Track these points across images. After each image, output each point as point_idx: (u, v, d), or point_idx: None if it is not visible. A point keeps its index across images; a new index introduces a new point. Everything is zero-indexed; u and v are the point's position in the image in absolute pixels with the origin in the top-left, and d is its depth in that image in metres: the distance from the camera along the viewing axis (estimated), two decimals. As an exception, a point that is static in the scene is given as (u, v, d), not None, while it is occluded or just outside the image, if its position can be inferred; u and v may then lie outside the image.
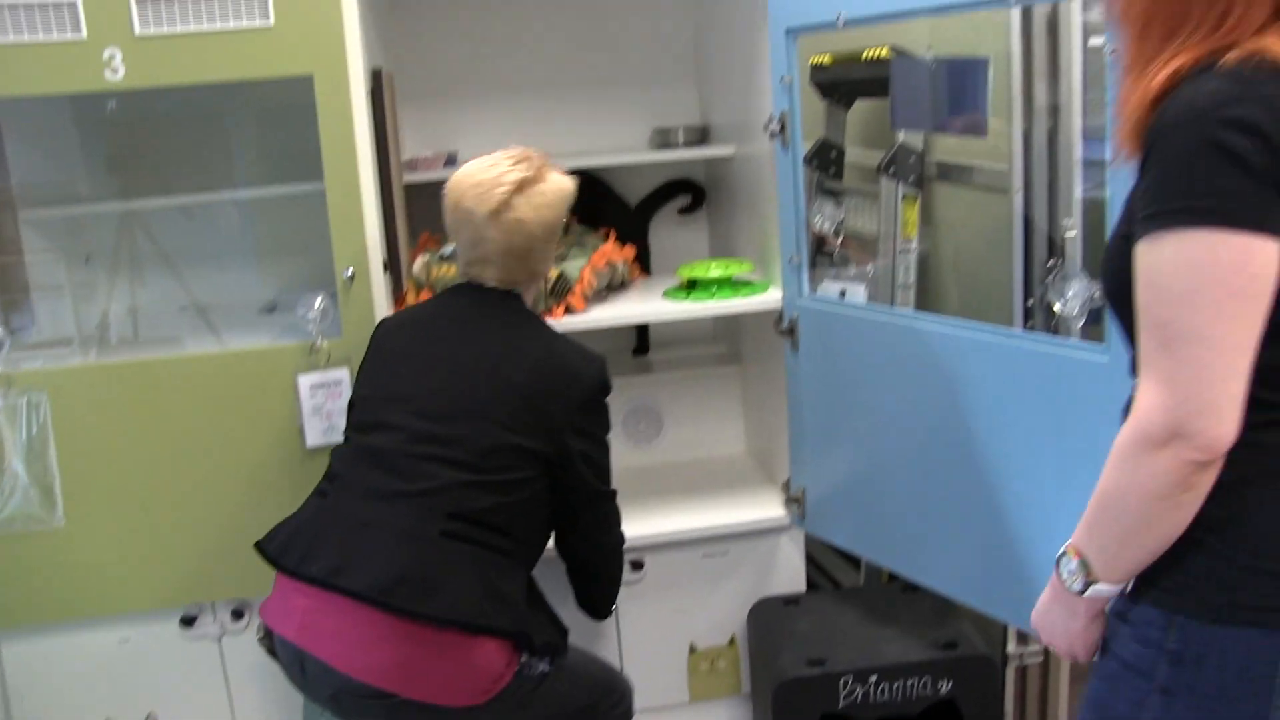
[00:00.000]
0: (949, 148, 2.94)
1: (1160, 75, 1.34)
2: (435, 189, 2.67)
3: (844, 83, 3.11)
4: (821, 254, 3.07)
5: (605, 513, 2.51)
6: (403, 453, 2.24)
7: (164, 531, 2.73)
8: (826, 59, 3.06)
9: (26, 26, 2.50)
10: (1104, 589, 1.44)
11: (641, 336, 3.67)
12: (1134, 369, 1.45)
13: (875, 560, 2.91)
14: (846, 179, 3.24)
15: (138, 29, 2.54)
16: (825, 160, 3.18)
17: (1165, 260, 1.29)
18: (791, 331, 2.82)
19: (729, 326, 3.63)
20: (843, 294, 2.78)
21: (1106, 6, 1.47)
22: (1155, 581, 1.42)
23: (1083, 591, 1.45)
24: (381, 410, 2.33)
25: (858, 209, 3.18)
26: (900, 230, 2.94)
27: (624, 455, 3.40)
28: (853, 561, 3.38)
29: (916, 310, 2.92)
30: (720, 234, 3.58)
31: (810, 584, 3.12)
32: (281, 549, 2.22)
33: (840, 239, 3.02)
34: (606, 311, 2.98)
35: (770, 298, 2.91)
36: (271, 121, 3.19)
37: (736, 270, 3.00)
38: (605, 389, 2.44)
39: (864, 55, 2.92)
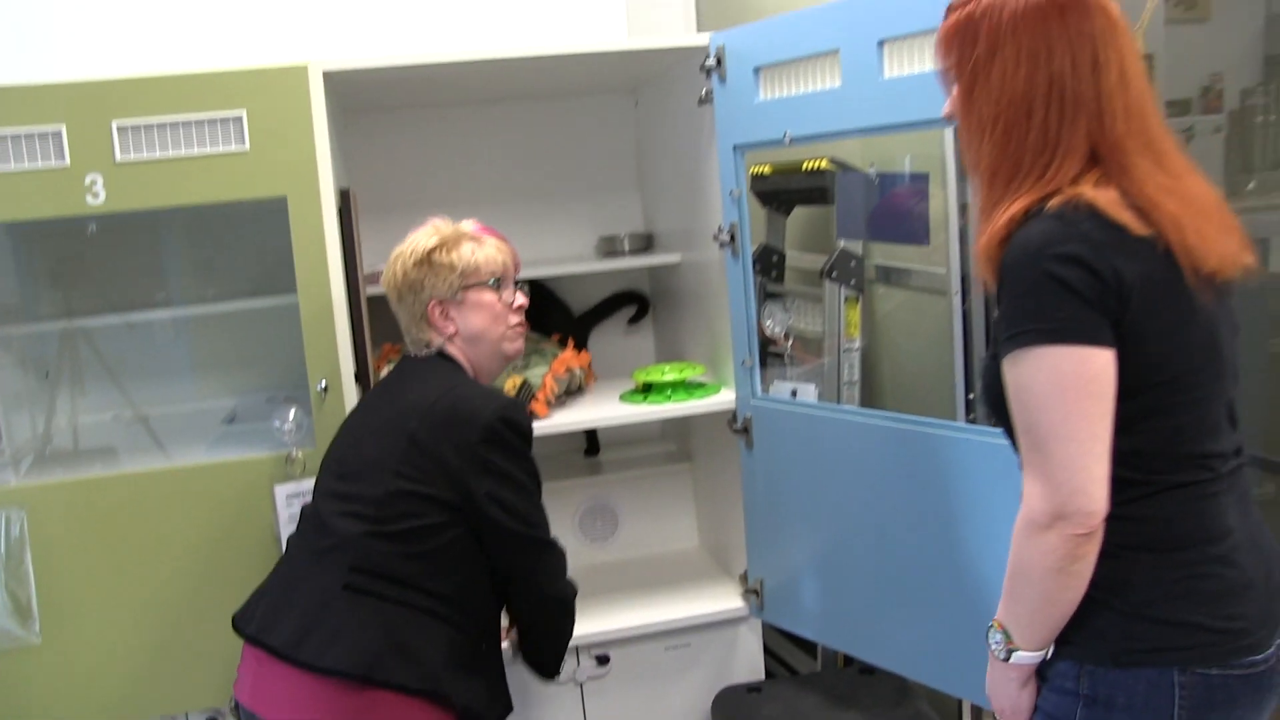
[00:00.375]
0: (888, 252, 3.12)
1: (1002, 220, 1.62)
2: None
3: (784, 191, 3.30)
4: (770, 354, 3.22)
5: (539, 562, 2.42)
6: (322, 512, 2.34)
7: (143, 644, 2.78)
8: (766, 169, 3.24)
9: (14, 155, 2.61)
10: (1025, 655, 1.68)
11: (591, 438, 3.80)
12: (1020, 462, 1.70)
13: (834, 645, 3.04)
14: (790, 281, 3.41)
15: (118, 156, 2.65)
16: (767, 264, 3.36)
17: (1023, 374, 1.57)
18: (746, 430, 2.97)
19: (677, 426, 3.78)
20: (794, 393, 2.92)
21: (965, 161, 1.76)
22: (1067, 639, 1.67)
23: (1007, 659, 1.68)
24: (320, 478, 2.45)
25: (801, 310, 3.34)
26: (844, 330, 3.11)
27: (582, 553, 3.54)
28: (807, 648, 3.50)
29: (862, 406, 3.08)
30: (667, 337, 3.73)
31: (767, 672, 3.23)
32: (242, 615, 2.33)
33: (790, 341, 3.18)
34: (570, 416, 3.10)
35: (724, 398, 3.06)
36: (221, 240, 3.32)
37: (690, 373, 3.14)
38: (510, 426, 2.31)
39: (804, 166, 3.10)
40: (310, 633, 2.18)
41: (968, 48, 1.67)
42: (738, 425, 3.00)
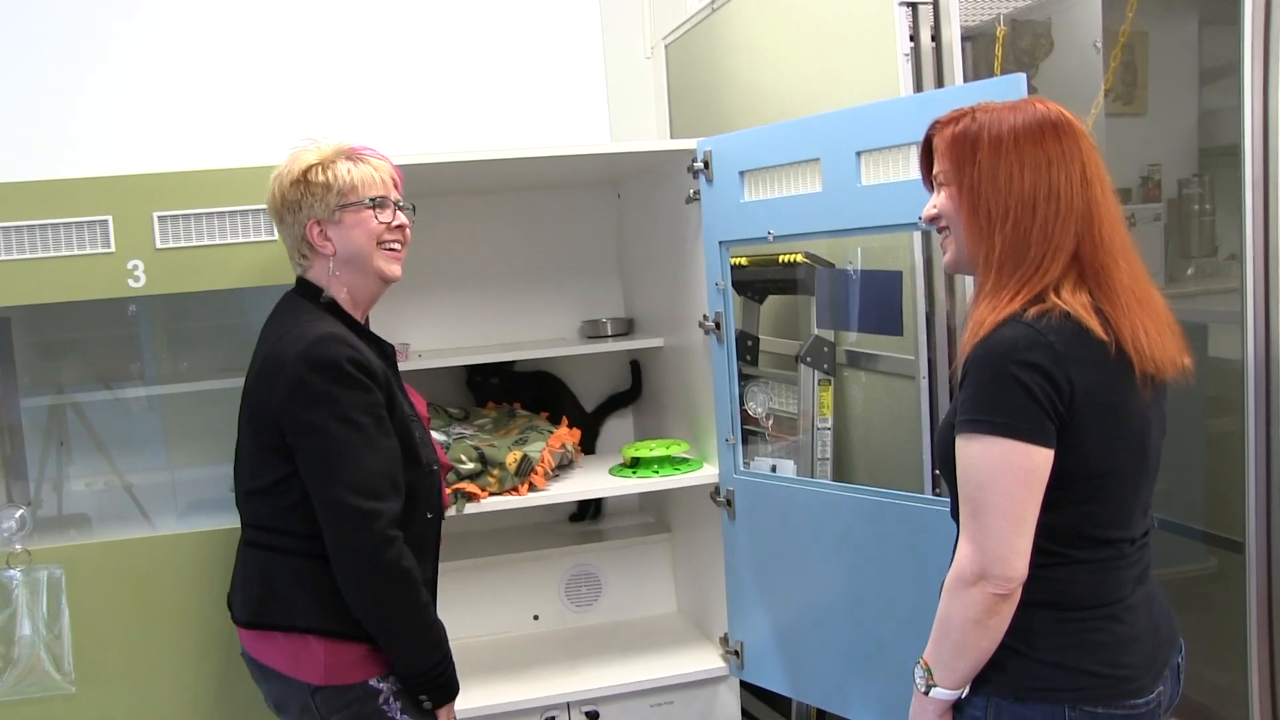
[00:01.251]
0: (858, 339, 3.38)
1: (991, 317, 1.86)
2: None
3: (759, 281, 3.56)
4: (749, 432, 3.47)
5: (338, 525, 2.24)
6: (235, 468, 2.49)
7: (171, 696, 2.97)
8: (744, 260, 3.51)
9: (65, 242, 2.84)
10: (943, 692, 1.94)
11: (592, 505, 4.08)
12: (953, 513, 2.00)
13: (809, 701, 3.26)
14: (763, 364, 3.67)
15: (158, 243, 2.89)
16: (743, 348, 3.61)
17: (975, 455, 1.82)
18: (729, 502, 3.21)
19: (655, 499, 4.03)
20: (773, 468, 3.17)
21: (969, 251, 1.97)
22: (983, 679, 1.92)
23: (927, 692, 1.95)
24: None
25: (775, 391, 3.60)
26: (817, 410, 3.36)
27: (568, 617, 3.77)
28: (781, 708, 3.73)
29: (835, 480, 3.33)
30: (647, 415, 3.99)
31: (742, 729, 3.47)
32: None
33: (770, 421, 3.43)
34: (567, 488, 3.35)
35: (707, 473, 3.31)
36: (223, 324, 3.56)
37: (675, 449, 3.39)
38: (314, 364, 2.22)
39: (780, 259, 3.37)
40: (232, 590, 2.49)
41: (968, 154, 1.91)
42: (721, 498, 3.25)
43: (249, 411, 2.38)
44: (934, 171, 2.01)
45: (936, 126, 2.00)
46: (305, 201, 2.37)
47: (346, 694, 2.33)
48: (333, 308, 2.41)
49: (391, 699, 2.35)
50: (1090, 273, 1.88)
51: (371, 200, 2.39)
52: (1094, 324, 1.83)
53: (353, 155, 2.42)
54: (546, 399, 3.83)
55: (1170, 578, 4.45)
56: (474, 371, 3.85)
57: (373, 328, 2.53)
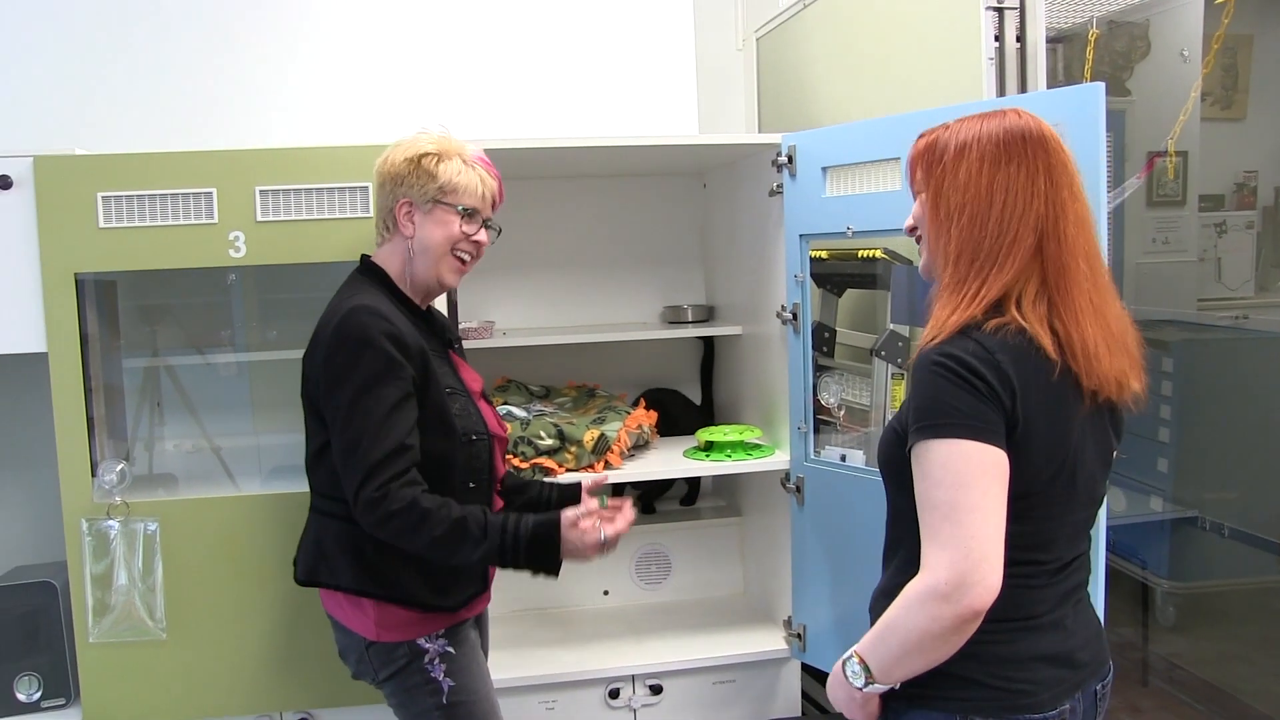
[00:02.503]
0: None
1: (955, 320, 1.86)
2: (482, 354, 3.19)
3: (838, 275, 3.62)
4: (821, 421, 3.54)
5: (347, 485, 2.35)
6: None
7: (252, 647, 3.09)
8: (824, 254, 3.57)
9: (171, 213, 2.98)
10: (879, 686, 1.91)
11: (693, 486, 4.17)
12: (891, 523, 2.03)
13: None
14: (838, 356, 3.73)
15: (259, 216, 3.01)
16: (819, 339, 3.68)
17: (944, 457, 1.78)
18: (798, 489, 3.29)
19: (727, 483, 4.12)
20: (843, 458, 3.24)
21: (931, 253, 2.00)
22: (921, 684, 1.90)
23: (863, 687, 1.92)
24: None
25: (848, 382, 3.66)
26: (889, 403, 3.42)
27: (636, 594, 3.87)
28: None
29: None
30: (721, 400, 4.07)
31: (801, 711, 3.54)
32: None
33: (841, 411, 3.50)
34: (641, 468, 3.45)
35: (778, 459, 3.40)
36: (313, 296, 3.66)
37: (749, 435, 3.47)
38: (343, 334, 2.36)
39: (859, 254, 3.43)
40: (298, 550, 2.63)
41: (935, 160, 1.94)
42: (790, 484, 3.33)
43: (302, 382, 2.52)
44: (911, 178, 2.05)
45: (920, 137, 2.03)
46: (408, 180, 2.49)
47: (395, 650, 2.49)
48: (388, 286, 2.54)
49: (438, 659, 2.49)
50: (1052, 273, 1.87)
51: (464, 209, 2.51)
52: (1046, 342, 1.84)
53: (469, 160, 2.53)
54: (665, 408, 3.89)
55: (1239, 589, 4.45)
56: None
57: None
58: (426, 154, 2.49)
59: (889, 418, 3.39)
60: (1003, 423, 1.80)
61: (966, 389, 1.80)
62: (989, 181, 1.89)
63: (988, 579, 1.74)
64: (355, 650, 2.54)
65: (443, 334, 2.66)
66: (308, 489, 2.60)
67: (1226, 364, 4.44)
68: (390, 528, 2.32)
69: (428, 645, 2.49)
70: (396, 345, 2.36)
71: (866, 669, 1.90)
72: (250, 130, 3.83)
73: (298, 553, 2.64)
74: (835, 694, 2.02)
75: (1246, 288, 4.77)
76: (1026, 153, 1.89)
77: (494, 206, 2.61)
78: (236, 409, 3.71)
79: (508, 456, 3.21)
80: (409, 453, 2.36)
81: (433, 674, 2.48)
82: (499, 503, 2.72)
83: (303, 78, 3.95)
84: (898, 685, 1.92)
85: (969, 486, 1.76)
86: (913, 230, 2.05)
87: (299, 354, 2.76)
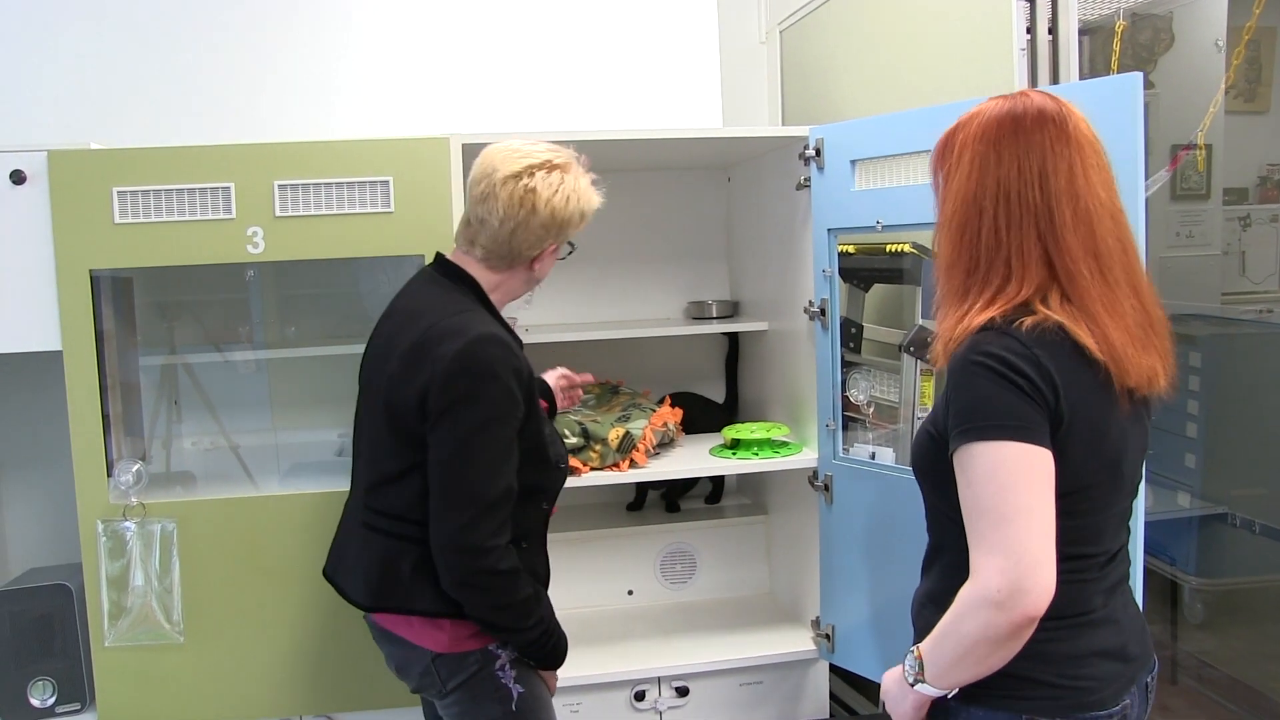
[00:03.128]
0: (961, 331, 3.37)
1: (977, 319, 1.80)
2: None
3: (865, 270, 3.56)
4: (849, 418, 3.48)
5: (439, 527, 2.29)
6: (355, 452, 2.57)
7: (271, 651, 3.05)
8: (851, 248, 3.51)
9: (188, 208, 2.93)
10: (928, 689, 1.85)
11: (717, 484, 4.11)
12: (932, 527, 1.99)
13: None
14: (865, 352, 3.68)
15: (278, 211, 2.97)
16: (846, 335, 3.62)
17: (990, 460, 1.72)
18: (827, 487, 3.23)
19: (753, 481, 4.05)
20: (873, 456, 3.18)
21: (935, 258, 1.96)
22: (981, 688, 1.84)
23: (913, 684, 1.87)
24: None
25: (875, 379, 3.60)
26: (918, 400, 3.36)
27: (661, 594, 3.82)
28: (869, 693, 3.74)
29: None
30: (747, 397, 4.01)
31: (830, 713, 3.49)
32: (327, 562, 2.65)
33: (871, 409, 3.44)
34: (666, 465, 3.40)
35: (806, 457, 3.34)
36: (332, 292, 3.65)
37: (776, 433, 3.42)
38: (469, 364, 2.26)
39: (887, 248, 3.37)
40: (338, 569, 2.57)
41: (948, 157, 1.91)
42: (819, 482, 3.27)
43: (386, 397, 2.36)
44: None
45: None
46: (571, 228, 2.47)
47: (467, 659, 2.42)
48: (482, 297, 2.46)
49: (508, 665, 2.43)
50: (1061, 276, 1.81)
51: (571, 244, 2.56)
52: (1089, 342, 1.78)
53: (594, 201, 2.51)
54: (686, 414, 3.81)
55: (1268, 586, 4.40)
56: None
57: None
58: (594, 210, 2.49)
59: (918, 414, 3.34)
60: (1047, 421, 1.75)
61: (1009, 388, 1.74)
62: (977, 185, 1.84)
63: (1041, 583, 1.68)
64: (420, 664, 2.45)
65: (521, 345, 2.55)
66: (335, 488, 2.60)
67: (1253, 358, 4.40)
68: (481, 583, 2.30)
69: (499, 651, 2.43)
70: (518, 381, 2.31)
71: (920, 666, 1.86)
72: (269, 124, 3.78)
73: (338, 572, 2.57)
74: (888, 688, 1.97)
75: (1271, 281, 4.76)
76: (1019, 142, 1.83)
77: None
78: (255, 407, 3.66)
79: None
80: (512, 499, 2.32)
81: (503, 680, 2.43)
82: None
83: (322, 70, 3.90)
84: (950, 693, 1.87)
85: (1016, 490, 1.71)
86: None
87: (320, 351, 2.74)
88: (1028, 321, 1.79)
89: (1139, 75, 2.36)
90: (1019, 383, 1.74)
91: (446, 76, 3.98)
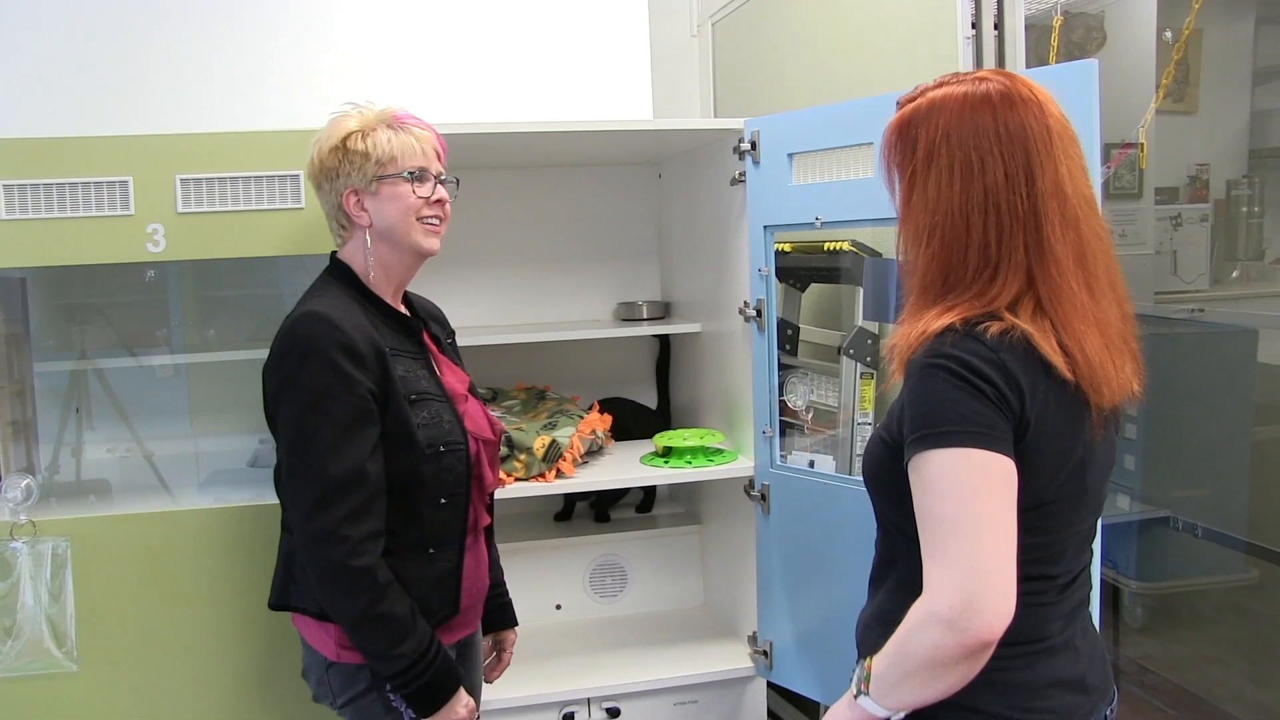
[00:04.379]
0: (903, 333, 3.25)
1: (935, 324, 1.66)
2: None
3: (803, 269, 3.44)
4: (786, 424, 3.35)
5: (293, 517, 2.18)
6: None
7: (178, 680, 2.86)
8: (787, 246, 3.38)
9: (82, 203, 2.73)
10: (872, 705, 1.68)
11: (648, 492, 3.95)
12: (882, 540, 1.86)
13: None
14: (804, 354, 3.55)
15: (180, 207, 2.78)
16: (782, 337, 3.48)
17: (946, 468, 1.58)
18: (764, 497, 3.09)
19: (686, 489, 3.90)
20: (811, 464, 3.05)
21: (901, 260, 1.80)
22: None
23: (856, 696, 1.70)
24: None
25: (813, 382, 3.48)
26: (857, 405, 3.24)
27: (591, 608, 3.66)
28: (809, 710, 3.62)
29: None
30: (679, 402, 3.86)
31: (765, 731, 3.35)
32: None
33: (810, 415, 3.31)
34: (595, 475, 3.23)
35: (742, 465, 3.18)
36: (255, 294, 3.46)
37: (710, 440, 3.27)
38: (289, 345, 2.17)
39: (825, 246, 3.24)
40: None
41: (907, 148, 1.73)
42: (755, 492, 3.12)
43: (263, 395, 2.28)
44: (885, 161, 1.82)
45: (898, 104, 1.80)
46: (343, 169, 2.28)
47: (356, 674, 2.27)
48: (357, 285, 2.33)
49: None
50: (1043, 288, 1.66)
51: (410, 173, 2.29)
52: (1058, 360, 1.64)
53: (395, 123, 2.31)
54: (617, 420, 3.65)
55: (1209, 589, 4.36)
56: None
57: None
58: (349, 134, 2.28)
59: (858, 419, 3.22)
60: (1010, 429, 1.60)
61: (971, 392, 1.59)
62: (963, 195, 1.67)
63: (998, 603, 1.52)
64: (317, 670, 2.33)
65: (417, 331, 2.40)
66: (255, 500, 2.49)
67: (1189, 358, 4.39)
68: (333, 578, 2.13)
69: None
70: (349, 356, 2.14)
71: (867, 679, 1.69)
72: (170, 114, 3.56)
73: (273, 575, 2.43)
74: (835, 710, 1.79)
75: (1201, 280, 4.79)
76: (1002, 136, 1.67)
77: (441, 159, 2.40)
78: (173, 413, 3.46)
79: (498, 474, 3.00)
80: (367, 482, 2.14)
81: (394, 702, 2.25)
82: (485, 518, 2.51)
83: (230, 57, 3.68)
84: (898, 716, 1.70)
85: (976, 499, 1.56)
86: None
87: (241, 355, 2.59)
88: (994, 327, 1.64)
89: (1094, 62, 2.24)
90: (982, 387, 1.60)
91: (361, 64, 3.78)
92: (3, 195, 2.71)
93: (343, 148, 2.28)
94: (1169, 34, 4.08)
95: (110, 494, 3.28)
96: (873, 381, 3.25)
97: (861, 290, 3.12)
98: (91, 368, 3.30)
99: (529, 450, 3.07)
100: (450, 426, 2.32)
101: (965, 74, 1.76)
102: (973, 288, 1.68)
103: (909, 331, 1.70)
